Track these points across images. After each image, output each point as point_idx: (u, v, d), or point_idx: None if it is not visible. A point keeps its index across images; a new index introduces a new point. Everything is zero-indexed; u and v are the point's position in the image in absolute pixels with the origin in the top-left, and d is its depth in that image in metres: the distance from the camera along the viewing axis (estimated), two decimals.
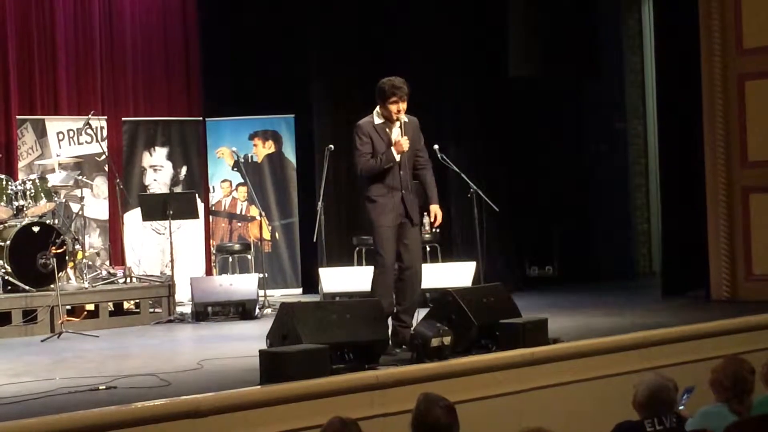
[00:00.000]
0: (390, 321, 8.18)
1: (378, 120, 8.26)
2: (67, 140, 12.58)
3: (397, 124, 8.28)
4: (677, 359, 7.99)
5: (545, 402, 7.37)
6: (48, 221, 11.06)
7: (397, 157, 8.19)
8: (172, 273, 11.49)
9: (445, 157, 11.53)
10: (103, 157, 12.43)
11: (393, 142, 8.20)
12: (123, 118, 13.26)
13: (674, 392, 5.32)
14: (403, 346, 7.96)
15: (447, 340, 7.41)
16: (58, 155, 12.25)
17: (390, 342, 7.98)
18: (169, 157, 13.26)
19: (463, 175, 11.29)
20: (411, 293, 8.28)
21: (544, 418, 7.21)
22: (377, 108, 8.31)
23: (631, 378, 6.77)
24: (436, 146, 11.57)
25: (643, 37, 14.16)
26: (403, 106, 8.22)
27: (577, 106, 14.35)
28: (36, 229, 10.72)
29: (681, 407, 5.64)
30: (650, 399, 5.23)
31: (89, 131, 12.34)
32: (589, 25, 13.69)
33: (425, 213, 12.22)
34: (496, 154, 13.10)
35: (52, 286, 10.39)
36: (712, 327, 8.65)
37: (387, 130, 8.26)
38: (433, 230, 12.24)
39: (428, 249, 12.24)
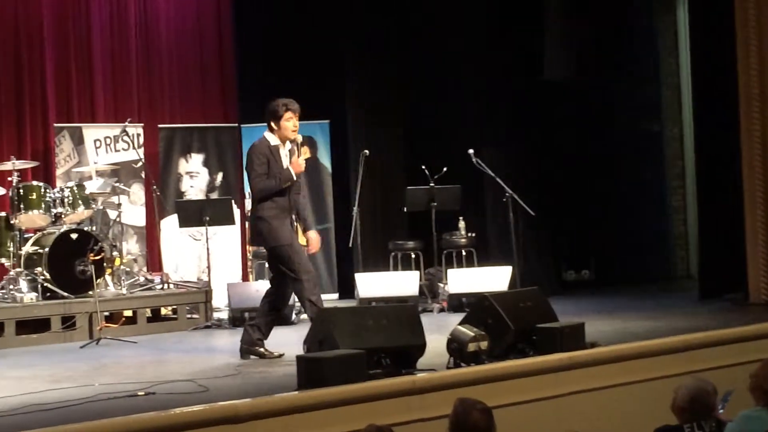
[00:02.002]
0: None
1: (273, 141, 8.34)
2: (104, 147, 12.66)
3: (288, 145, 8.39)
4: (716, 363, 7.93)
5: (583, 407, 7.34)
6: (86, 228, 11.14)
7: (295, 177, 8.31)
8: (209, 279, 11.53)
9: (479, 161, 11.56)
10: (140, 164, 12.51)
11: (289, 161, 8.31)
12: (159, 125, 13.33)
13: (714, 396, 5.30)
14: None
15: (484, 344, 7.39)
16: (95, 162, 12.34)
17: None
18: (205, 163, 13.32)
19: (498, 179, 11.31)
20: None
21: (581, 422, 7.20)
22: (266, 131, 8.39)
23: (669, 382, 6.73)
24: (470, 150, 11.61)
25: (678, 38, 14.09)
26: (296, 123, 8.32)
27: (613, 109, 14.29)
28: (74, 236, 10.81)
29: (720, 411, 5.61)
30: (690, 403, 5.20)
31: (126, 138, 12.41)
32: (624, 27, 13.65)
33: (460, 217, 12.29)
34: (532, 158, 13.07)
35: (90, 292, 10.47)
36: (750, 330, 8.58)
37: (280, 150, 8.36)
38: (468, 234, 12.26)
39: (464, 253, 12.24)
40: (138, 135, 12.66)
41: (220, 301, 11.93)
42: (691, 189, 13.80)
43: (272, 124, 8.33)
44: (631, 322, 9.78)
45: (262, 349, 8.38)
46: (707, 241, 11.74)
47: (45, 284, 10.65)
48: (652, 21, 14.27)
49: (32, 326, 10.39)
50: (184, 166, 13.29)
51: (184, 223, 11.90)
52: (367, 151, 12.13)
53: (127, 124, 12.03)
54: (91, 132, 12.68)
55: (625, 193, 14.28)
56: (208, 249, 11.58)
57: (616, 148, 14.31)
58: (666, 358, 7.89)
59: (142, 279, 11.80)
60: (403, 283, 11.66)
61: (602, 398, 7.47)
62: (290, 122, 8.28)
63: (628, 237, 14.19)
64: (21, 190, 10.80)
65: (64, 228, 10.88)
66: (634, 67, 13.77)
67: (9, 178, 11.09)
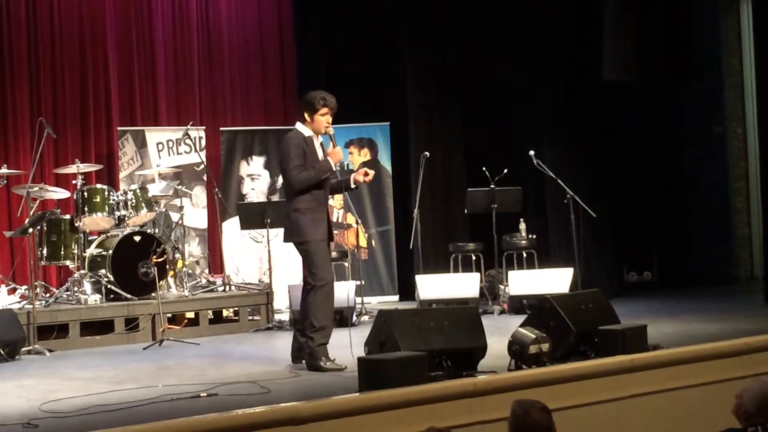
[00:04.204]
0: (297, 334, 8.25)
1: (306, 132, 8.16)
2: (166, 150, 12.79)
3: (320, 138, 8.20)
4: None
5: (645, 409, 7.30)
6: (149, 231, 11.25)
7: (334, 167, 8.12)
8: (270, 281, 11.59)
9: (541, 162, 11.53)
10: (202, 166, 12.60)
11: (327, 152, 8.12)
12: (221, 128, 13.44)
13: None
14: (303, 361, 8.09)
15: (545, 346, 7.38)
16: (158, 165, 12.45)
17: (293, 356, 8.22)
18: (266, 166, 13.39)
19: (559, 181, 11.27)
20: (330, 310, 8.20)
21: (643, 426, 7.16)
22: (299, 123, 8.23)
23: (732, 385, 6.68)
24: (531, 152, 11.58)
25: (741, 38, 13.95)
26: (331, 119, 8.15)
27: (675, 110, 14.18)
28: (137, 238, 10.91)
29: None
30: (759, 407, 5.14)
31: (188, 141, 12.51)
32: (686, 26, 13.52)
33: (521, 219, 12.25)
34: (593, 159, 13.00)
35: (153, 294, 10.57)
36: None
37: (315, 142, 8.17)
38: (529, 236, 12.22)
39: (525, 255, 12.19)
40: (200, 138, 12.77)
41: (281, 302, 11.99)
42: (754, 190, 13.66)
43: (306, 115, 8.18)
44: (694, 324, 9.71)
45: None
46: None
47: (108, 286, 10.76)
48: (714, 20, 14.12)
49: (96, 328, 10.51)
50: (245, 168, 13.38)
51: (245, 225, 11.96)
52: (427, 153, 12.13)
53: (189, 127, 12.12)
54: (154, 135, 12.81)
55: (688, 194, 14.17)
56: (269, 251, 11.63)
57: (678, 149, 14.21)
58: (729, 360, 7.82)
59: (203, 281, 11.89)
60: (463, 284, 11.65)
61: (664, 401, 7.42)
62: (324, 118, 8.11)
63: (691, 238, 14.08)
64: (85, 193, 10.93)
65: (128, 230, 11.00)
66: (696, 67, 13.63)
67: (73, 181, 11.24)
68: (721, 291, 12.92)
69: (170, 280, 11.36)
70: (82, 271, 10.82)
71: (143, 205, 11.23)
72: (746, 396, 5.22)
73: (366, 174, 8.26)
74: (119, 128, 12.75)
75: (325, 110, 8.11)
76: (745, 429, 5.15)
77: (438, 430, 4.64)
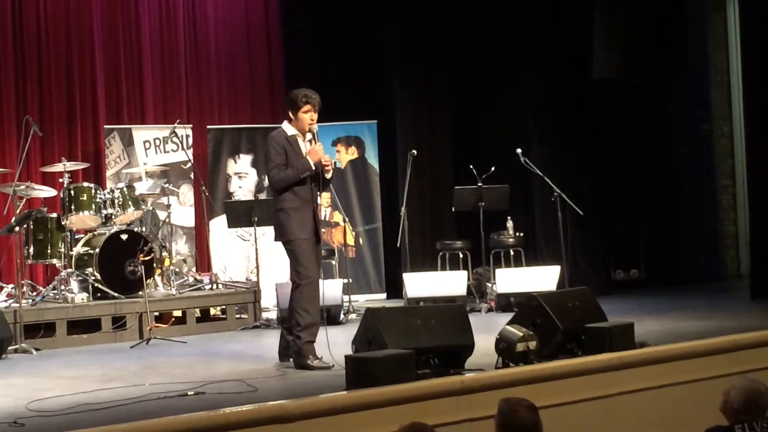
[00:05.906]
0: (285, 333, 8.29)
1: (290, 131, 8.15)
2: (153, 149, 12.76)
3: (308, 135, 8.17)
4: (767, 363, 7.86)
5: (632, 407, 7.30)
6: (136, 229, 11.23)
7: (313, 166, 8.07)
8: (258, 279, 11.58)
9: (527, 160, 11.53)
10: (189, 165, 12.59)
11: (307, 151, 8.08)
12: (208, 126, 13.42)
13: (767, 396, 5.25)
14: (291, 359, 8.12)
15: (532, 344, 7.38)
16: (144, 164, 12.43)
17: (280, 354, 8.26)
18: (254, 164, 13.37)
19: (546, 179, 11.28)
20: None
21: (630, 423, 7.16)
22: (285, 121, 8.22)
23: (719, 382, 6.69)
24: (519, 150, 11.59)
25: (728, 36, 13.97)
26: (315, 116, 8.12)
27: (662, 107, 14.20)
28: (124, 236, 10.89)
29: None
30: (746, 404, 5.16)
31: (175, 139, 12.50)
32: (674, 25, 13.55)
33: (508, 217, 12.27)
34: (580, 157, 13.02)
35: (140, 292, 10.55)
36: None
37: (299, 141, 8.15)
38: (517, 234, 12.23)
39: (512, 253, 12.20)
40: (187, 136, 12.75)
41: (268, 301, 11.98)
42: (741, 187, 13.69)
43: (290, 113, 8.17)
44: (681, 322, 9.72)
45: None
46: (758, 239, 11.64)
47: (96, 284, 10.74)
48: (701, 18, 14.15)
49: (83, 326, 10.50)
50: (232, 166, 13.36)
51: (232, 223, 11.95)
52: (414, 151, 12.13)
53: (176, 125, 12.11)
54: (141, 133, 12.78)
55: (675, 192, 14.19)
56: (256, 249, 11.63)
57: (665, 147, 14.22)
58: (716, 358, 7.82)
59: (191, 279, 11.88)
60: (451, 283, 11.65)
61: (651, 399, 7.43)
62: (307, 115, 8.07)
63: (678, 236, 14.10)
64: (72, 192, 10.90)
65: (115, 229, 10.97)
66: (683, 64, 13.65)
67: (60, 180, 11.22)
68: (708, 288, 12.95)
69: (157, 278, 11.34)
70: (69, 270, 10.80)
71: (130, 203, 11.22)
72: (733, 393, 5.24)
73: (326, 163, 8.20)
74: (106, 126, 12.72)
75: (307, 107, 8.07)
76: (732, 426, 5.16)
77: (421, 426, 4.63)
